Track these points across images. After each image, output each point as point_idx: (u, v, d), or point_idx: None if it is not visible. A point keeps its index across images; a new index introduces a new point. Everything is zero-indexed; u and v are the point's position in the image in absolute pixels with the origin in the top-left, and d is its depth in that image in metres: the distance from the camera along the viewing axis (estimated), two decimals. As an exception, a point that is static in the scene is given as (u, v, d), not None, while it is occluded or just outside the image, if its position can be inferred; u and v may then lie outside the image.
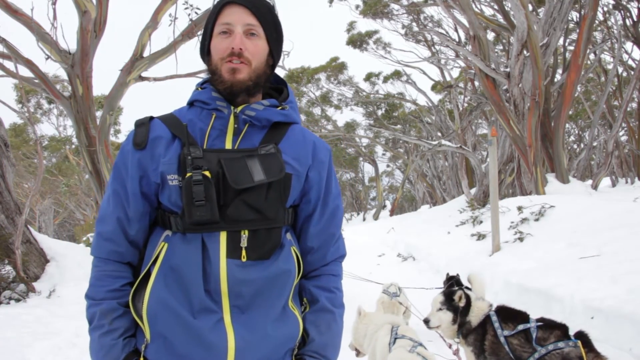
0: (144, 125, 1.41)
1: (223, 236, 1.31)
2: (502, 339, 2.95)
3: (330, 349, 1.47)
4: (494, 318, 3.06)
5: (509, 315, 3.07)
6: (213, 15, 1.41)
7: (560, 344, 2.73)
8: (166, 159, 1.35)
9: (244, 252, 1.32)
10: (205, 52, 1.45)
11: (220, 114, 1.39)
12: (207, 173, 1.29)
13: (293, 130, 1.46)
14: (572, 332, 2.82)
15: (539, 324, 2.90)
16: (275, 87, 1.55)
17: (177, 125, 1.39)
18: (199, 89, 1.46)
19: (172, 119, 1.42)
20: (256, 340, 1.32)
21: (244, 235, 1.32)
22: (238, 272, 1.31)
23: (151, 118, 1.44)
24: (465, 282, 5.06)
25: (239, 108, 1.39)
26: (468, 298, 3.29)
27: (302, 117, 28.95)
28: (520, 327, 2.92)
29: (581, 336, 2.76)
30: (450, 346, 3.34)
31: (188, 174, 1.28)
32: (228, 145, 1.37)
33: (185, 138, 1.34)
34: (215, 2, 1.43)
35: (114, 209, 1.39)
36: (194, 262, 1.30)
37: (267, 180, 1.31)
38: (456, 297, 3.28)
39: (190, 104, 1.46)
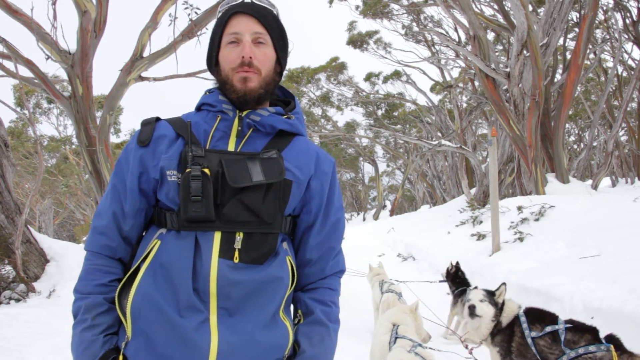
0: (149, 124, 1.43)
1: (217, 236, 1.31)
2: (529, 340, 2.92)
3: None
4: (523, 319, 3.03)
5: (537, 317, 3.03)
6: (220, 27, 1.42)
7: (592, 348, 2.68)
8: (167, 155, 1.36)
9: (236, 254, 1.30)
10: (214, 63, 1.45)
11: (225, 116, 1.41)
12: (206, 170, 1.30)
13: (297, 141, 1.46)
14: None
15: (568, 325, 2.86)
16: (283, 100, 1.56)
17: (182, 126, 1.41)
18: (207, 93, 1.47)
19: (178, 121, 1.44)
20: (241, 344, 1.29)
21: (239, 237, 1.31)
22: (229, 272, 1.29)
23: (157, 119, 1.45)
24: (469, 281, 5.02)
25: (245, 112, 1.40)
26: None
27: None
28: (548, 328, 2.88)
29: (612, 340, 2.72)
30: (466, 346, 3.31)
31: (187, 170, 1.29)
32: (231, 147, 1.37)
33: (188, 137, 1.35)
34: (221, 13, 1.44)
35: (111, 203, 1.40)
36: (185, 259, 1.29)
37: (265, 181, 1.30)
38: (498, 293, 3.22)
39: (198, 108, 1.47)
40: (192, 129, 1.39)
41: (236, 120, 1.40)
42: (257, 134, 1.41)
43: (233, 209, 1.30)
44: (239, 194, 1.31)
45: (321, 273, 1.48)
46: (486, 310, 3.22)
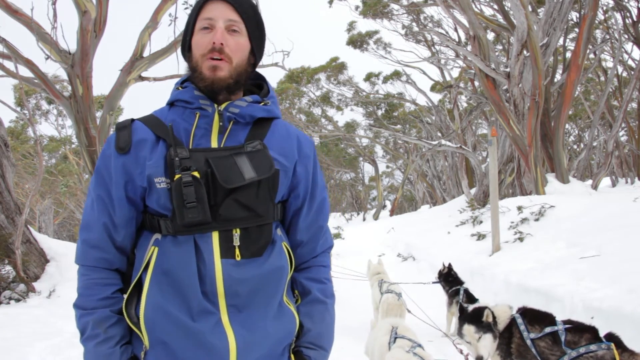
0: (125, 128, 1.37)
1: (215, 236, 1.30)
2: (528, 342, 2.92)
3: (325, 339, 1.49)
4: (520, 321, 3.03)
5: (535, 318, 3.03)
6: (195, 11, 1.39)
7: (593, 347, 2.68)
8: (152, 161, 1.32)
9: (237, 251, 1.31)
10: (187, 48, 1.42)
11: (205, 113, 1.37)
12: (195, 174, 1.27)
13: (276, 126, 1.45)
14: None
15: (567, 326, 2.86)
16: (254, 83, 1.53)
17: (160, 127, 1.36)
18: (179, 88, 1.43)
19: (154, 120, 1.39)
20: (256, 339, 1.32)
21: (236, 233, 1.32)
22: (233, 271, 1.30)
23: (132, 120, 1.41)
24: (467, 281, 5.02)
25: (223, 105, 1.38)
26: (491, 311, 3.21)
27: (302, 117, 28.99)
28: (548, 329, 2.88)
29: (612, 338, 2.72)
30: (461, 351, 3.31)
31: (177, 176, 1.26)
32: (214, 143, 1.35)
33: (170, 139, 1.31)
34: None
35: (99, 215, 1.36)
36: (189, 265, 1.28)
37: (257, 177, 1.30)
38: (484, 318, 3.15)
39: (171, 103, 1.44)
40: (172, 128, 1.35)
41: (216, 116, 1.37)
42: (237, 125, 1.39)
43: (229, 209, 1.30)
44: (233, 193, 1.30)
45: (312, 252, 1.51)
46: (487, 345, 3.13)
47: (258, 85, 1.53)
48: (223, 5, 1.36)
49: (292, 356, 1.42)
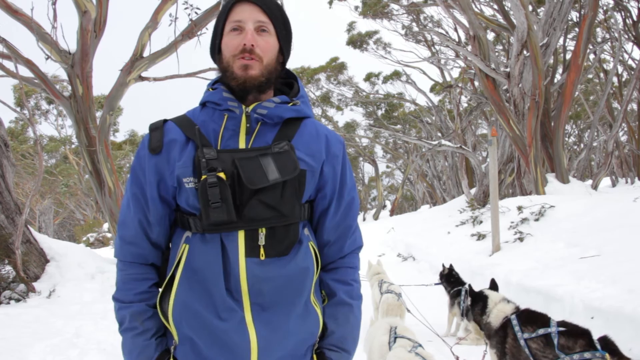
0: (158, 129, 1.42)
1: (241, 235, 1.33)
2: (521, 342, 2.89)
3: (349, 341, 1.50)
4: (515, 321, 3.02)
5: (530, 318, 3.00)
6: (223, 14, 1.42)
7: (587, 355, 2.61)
8: (181, 162, 1.36)
9: (262, 250, 1.34)
10: (216, 51, 1.45)
11: (232, 114, 1.40)
12: (221, 174, 1.30)
13: (305, 125, 1.46)
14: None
15: (561, 329, 2.79)
16: (285, 82, 1.55)
17: (190, 128, 1.40)
18: (210, 89, 1.46)
19: (186, 121, 1.43)
20: (278, 339, 1.35)
21: (262, 233, 1.34)
22: (257, 270, 1.33)
23: (165, 121, 1.45)
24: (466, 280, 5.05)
25: (251, 107, 1.40)
26: (484, 299, 3.27)
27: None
28: (541, 331, 2.84)
29: (607, 344, 2.65)
30: (457, 358, 3.33)
31: (203, 177, 1.29)
32: (242, 144, 1.37)
33: (198, 140, 1.35)
34: (226, 1, 1.44)
35: (135, 212, 1.42)
36: (214, 263, 1.32)
37: (281, 179, 1.32)
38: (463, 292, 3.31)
39: (203, 104, 1.47)
40: (201, 128, 1.39)
41: (243, 117, 1.39)
42: (265, 126, 1.41)
43: (253, 209, 1.32)
44: (258, 194, 1.32)
45: (340, 252, 1.51)
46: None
47: (289, 84, 1.55)
48: (251, 7, 1.39)
49: (315, 357, 1.44)
